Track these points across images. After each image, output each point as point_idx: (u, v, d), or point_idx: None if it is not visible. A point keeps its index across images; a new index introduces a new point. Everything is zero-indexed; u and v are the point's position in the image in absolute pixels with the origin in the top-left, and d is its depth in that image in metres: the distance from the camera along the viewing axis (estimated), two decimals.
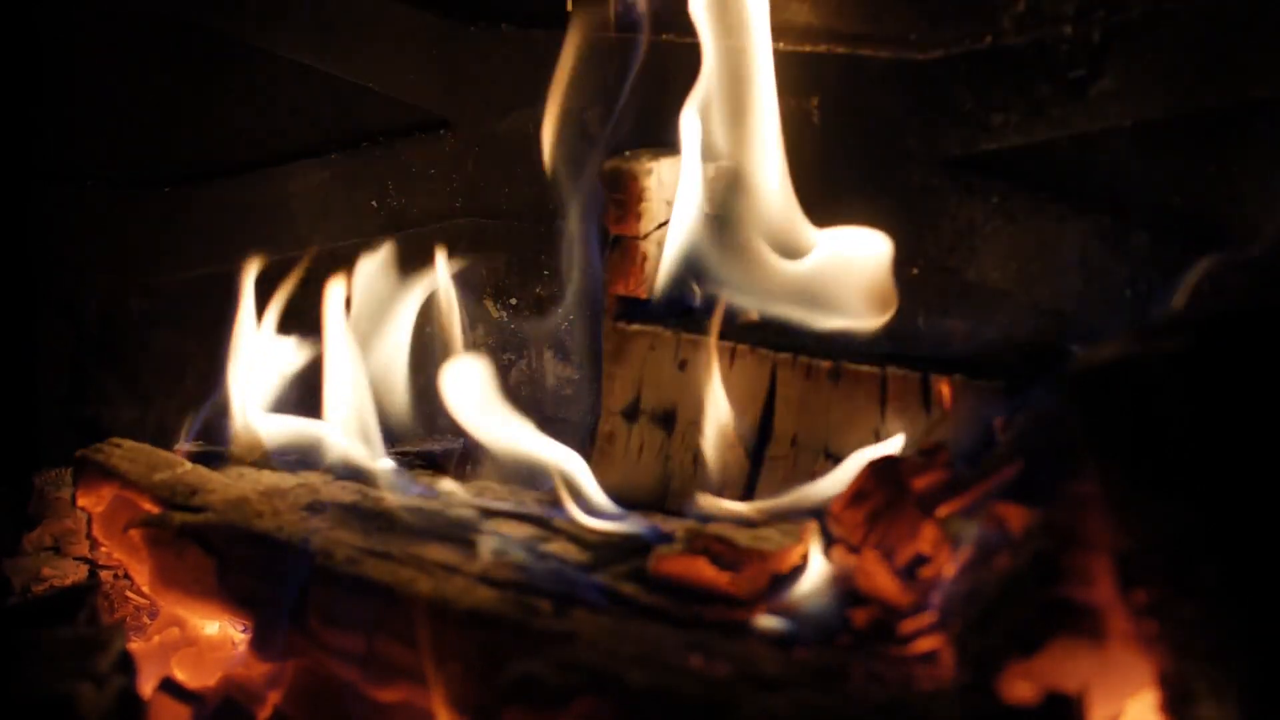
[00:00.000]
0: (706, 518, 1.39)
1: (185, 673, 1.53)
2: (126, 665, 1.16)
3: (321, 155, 2.01)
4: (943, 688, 1.06)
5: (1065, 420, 1.03)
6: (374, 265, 1.78)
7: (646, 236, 1.69)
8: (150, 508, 1.54)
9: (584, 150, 1.78)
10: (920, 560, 1.18)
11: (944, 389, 1.44)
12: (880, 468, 1.24)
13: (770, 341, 1.57)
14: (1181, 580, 0.92)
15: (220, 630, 1.63)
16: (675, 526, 1.40)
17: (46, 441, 2.04)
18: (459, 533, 1.40)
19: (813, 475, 1.48)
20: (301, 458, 1.67)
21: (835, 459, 1.51)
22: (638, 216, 1.68)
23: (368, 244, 1.80)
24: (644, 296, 1.70)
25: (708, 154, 1.66)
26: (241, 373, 1.72)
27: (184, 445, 1.72)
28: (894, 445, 1.43)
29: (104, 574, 1.84)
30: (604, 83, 1.78)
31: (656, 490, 1.61)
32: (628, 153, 1.72)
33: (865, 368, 1.51)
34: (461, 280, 1.82)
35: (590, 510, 1.46)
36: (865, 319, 1.60)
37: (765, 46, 1.64)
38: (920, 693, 1.06)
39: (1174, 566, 0.92)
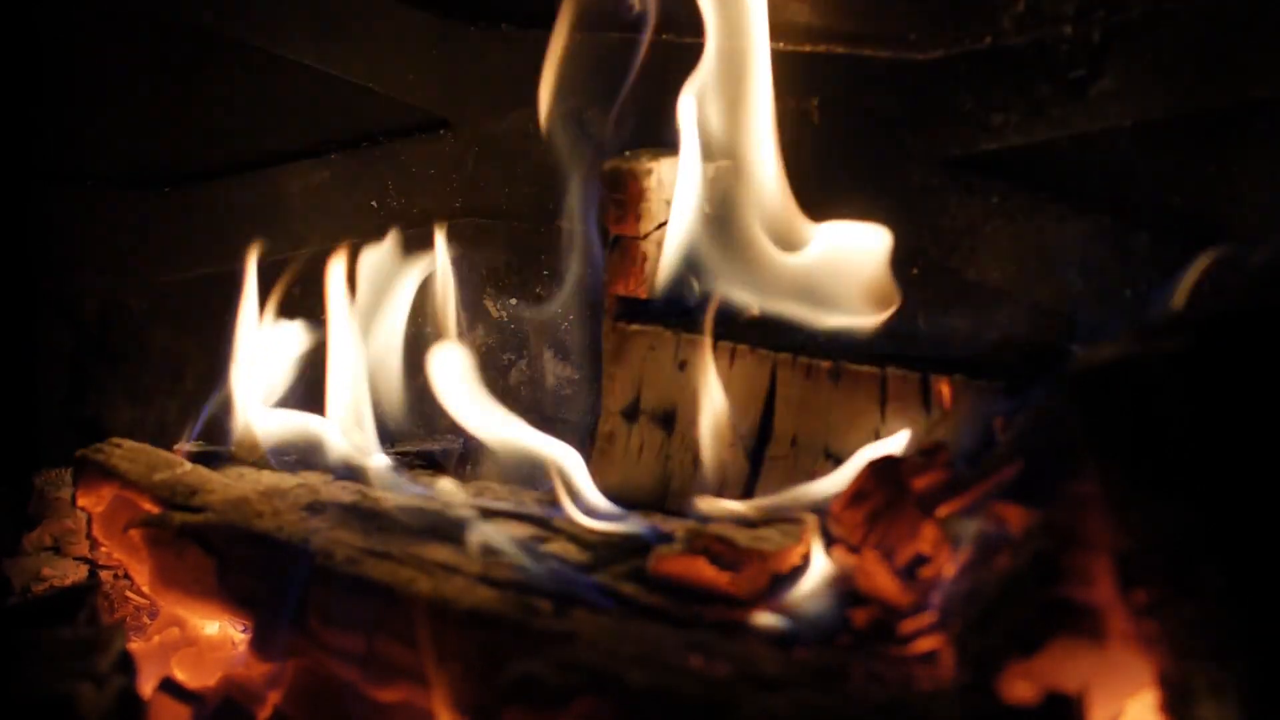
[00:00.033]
0: (706, 518, 1.39)
1: (185, 673, 1.53)
2: (126, 665, 1.16)
3: (321, 155, 2.01)
4: (943, 688, 1.06)
5: (1065, 420, 1.03)
6: (379, 254, 1.77)
7: (646, 236, 1.69)
8: (150, 508, 1.54)
9: (584, 150, 1.78)
10: (920, 560, 1.18)
11: (944, 389, 1.44)
12: (880, 468, 1.24)
13: (770, 341, 1.57)
14: (1181, 580, 0.92)
15: (220, 630, 1.63)
16: (675, 526, 1.40)
17: (46, 441, 2.04)
18: (452, 531, 1.40)
19: (812, 475, 1.48)
20: (301, 457, 1.67)
21: (835, 459, 1.51)
22: (638, 216, 1.68)
23: (367, 244, 1.80)
24: (644, 296, 1.70)
25: (707, 153, 1.66)
26: (243, 370, 1.72)
27: (184, 445, 1.72)
28: (899, 441, 1.43)
29: (104, 574, 1.84)
30: (604, 82, 1.78)
31: (656, 490, 1.61)
32: (628, 153, 1.72)
33: (865, 368, 1.51)
34: (459, 267, 1.81)
35: (587, 509, 1.47)
36: (866, 315, 1.60)
37: (763, 34, 1.64)
38: (920, 693, 1.06)
39: (1174, 566, 0.92)
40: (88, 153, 2.05)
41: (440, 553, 1.34)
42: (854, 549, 1.22)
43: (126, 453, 1.64)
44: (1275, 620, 0.88)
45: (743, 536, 1.28)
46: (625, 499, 1.51)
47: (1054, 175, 1.65)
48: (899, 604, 1.18)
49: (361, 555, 1.35)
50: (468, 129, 1.96)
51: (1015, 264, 1.68)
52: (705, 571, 1.25)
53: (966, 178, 1.69)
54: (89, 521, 1.74)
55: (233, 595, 1.44)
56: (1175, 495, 0.92)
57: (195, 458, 1.66)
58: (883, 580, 1.19)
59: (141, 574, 1.56)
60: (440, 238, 1.78)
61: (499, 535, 1.37)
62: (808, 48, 1.74)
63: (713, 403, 1.54)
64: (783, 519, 1.35)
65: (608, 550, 1.37)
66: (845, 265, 1.61)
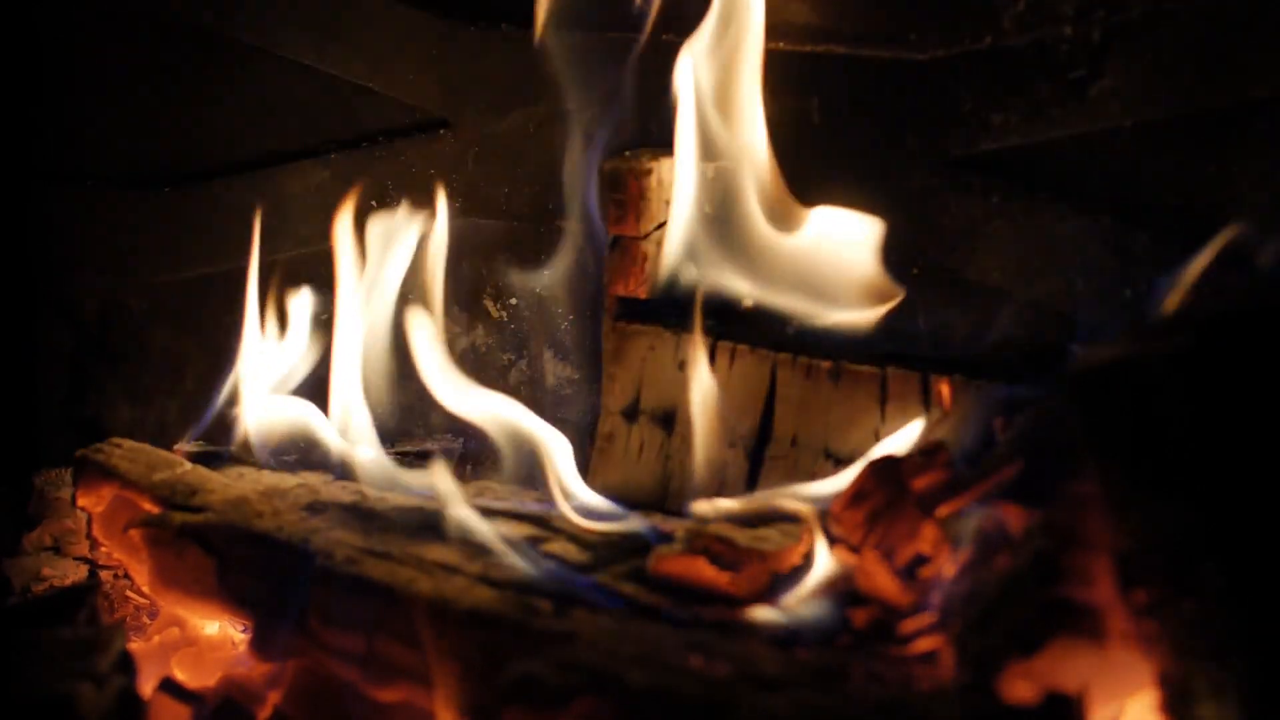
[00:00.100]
0: (703, 519, 1.39)
1: (185, 673, 1.53)
2: (126, 665, 1.16)
3: (321, 155, 2.01)
4: (943, 688, 1.06)
5: (1065, 420, 1.03)
6: (390, 222, 1.77)
7: (646, 236, 1.69)
8: (150, 508, 1.54)
9: (585, 150, 1.78)
10: (920, 560, 1.18)
11: (944, 389, 1.44)
12: (880, 468, 1.24)
13: (770, 341, 1.57)
14: (1181, 580, 0.92)
15: (220, 630, 1.63)
16: (675, 526, 1.40)
17: (46, 441, 2.04)
18: (435, 523, 1.40)
19: (812, 475, 1.48)
20: (301, 457, 1.67)
21: (835, 459, 1.51)
22: (638, 216, 1.68)
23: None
24: (644, 296, 1.70)
25: (707, 153, 1.66)
26: (247, 368, 1.72)
27: (184, 445, 1.72)
28: (912, 432, 1.43)
29: (104, 574, 1.84)
30: (604, 82, 1.78)
31: (656, 490, 1.62)
32: (628, 153, 1.73)
33: (865, 368, 1.51)
34: (456, 234, 1.80)
35: (582, 506, 1.47)
36: (862, 306, 1.59)
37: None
38: (920, 693, 1.06)
39: (1174, 566, 0.92)
40: (88, 153, 2.05)
41: (440, 553, 1.34)
42: (854, 549, 1.22)
43: (126, 453, 1.64)
44: (1275, 620, 0.88)
45: (743, 536, 1.28)
46: (625, 499, 1.51)
47: (1054, 175, 1.65)
48: (899, 604, 1.18)
49: (361, 555, 1.35)
50: (468, 129, 1.96)
51: (1015, 264, 1.68)
52: (705, 571, 1.25)
53: (966, 178, 1.69)
54: (89, 521, 1.74)
55: (233, 595, 1.44)
56: (1175, 495, 0.92)
57: (195, 458, 1.66)
58: (883, 580, 1.19)
59: (141, 574, 1.56)
60: (441, 196, 1.77)
61: (473, 518, 1.37)
62: (808, 48, 1.74)
63: (704, 396, 1.54)
64: (782, 519, 1.35)
65: (608, 550, 1.37)
66: (839, 250, 1.61)
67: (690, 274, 1.64)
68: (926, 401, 1.47)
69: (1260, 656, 0.88)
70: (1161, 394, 0.92)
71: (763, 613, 1.22)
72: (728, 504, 1.41)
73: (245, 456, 1.68)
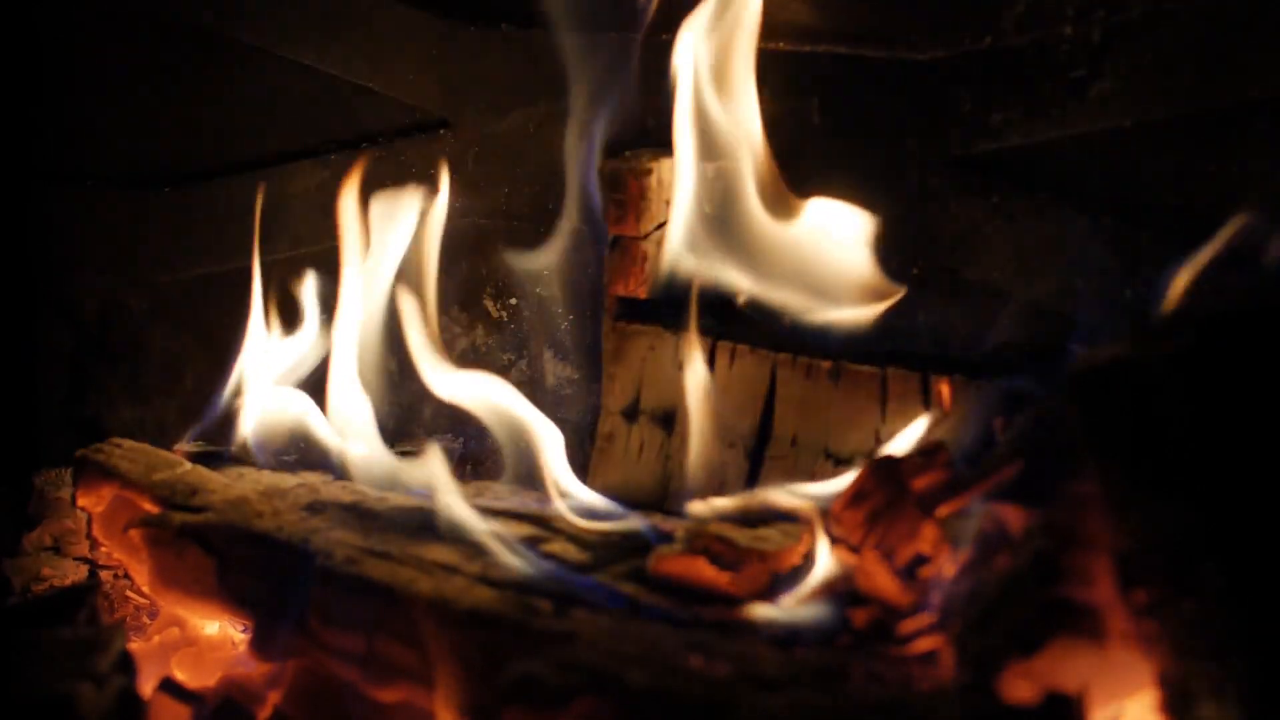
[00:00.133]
0: (697, 519, 1.39)
1: (185, 673, 1.53)
2: (126, 665, 1.16)
3: (321, 155, 2.01)
4: (943, 688, 1.06)
5: (1065, 420, 1.03)
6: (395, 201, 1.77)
7: (647, 236, 1.69)
8: (150, 508, 1.54)
9: (585, 149, 1.78)
10: (920, 560, 1.18)
11: (944, 389, 1.44)
12: (880, 468, 1.24)
13: (770, 341, 1.57)
14: (1181, 580, 0.92)
15: (220, 630, 1.63)
16: (675, 526, 1.40)
17: (46, 441, 2.04)
18: (435, 523, 1.41)
19: (812, 475, 1.48)
20: (301, 457, 1.67)
21: (835, 459, 1.51)
22: (638, 216, 1.68)
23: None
24: (644, 296, 1.70)
25: (707, 153, 1.66)
26: (250, 365, 1.72)
27: (184, 445, 1.72)
28: (915, 432, 1.43)
29: (104, 574, 1.84)
30: (604, 82, 1.78)
31: (656, 490, 1.62)
32: (628, 153, 1.73)
33: (865, 368, 1.51)
34: (456, 222, 1.80)
35: (575, 499, 1.47)
36: (861, 303, 1.59)
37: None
38: (920, 693, 1.06)
39: (1174, 566, 0.92)
40: (88, 153, 2.05)
41: (440, 553, 1.34)
42: (854, 549, 1.22)
43: (126, 453, 1.64)
44: (1275, 620, 0.88)
45: (743, 536, 1.28)
46: (625, 499, 1.51)
47: (1054, 175, 1.65)
48: (899, 604, 1.18)
49: (361, 555, 1.35)
50: (468, 129, 1.97)
51: (1015, 264, 1.68)
52: (705, 571, 1.25)
53: (966, 178, 1.69)
54: (89, 521, 1.74)
55: (233, 595, 1.44)
56: (1175, 495, 0.92)
57: (195, 458, 1.66)
58: (883, 580, 1.19)
59: (141, 574, 1.56)
60: (445, 173, 1.77)
61: (462, 507, 1.37)
62: (808, 48, 1.74)
63: (699, 394, 1.54)
64: (782, 518, 1.35)
65: (607, 550, 1.37)
66: (836, 243, 1.60)
67: (688, 264, 1.63)
68: (926, 401, 1.47)
69: (1260, 656, 0.88)
70: (1161, 394, 0.92)
71: (763, 612, 1.22)
72: (723, 503, 1.41)
73: (245, 456, 1.68)
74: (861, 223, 1.61)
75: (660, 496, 1.61)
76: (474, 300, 2.00)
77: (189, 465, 1.62)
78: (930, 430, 1.42)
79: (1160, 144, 1.59)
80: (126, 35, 2.02)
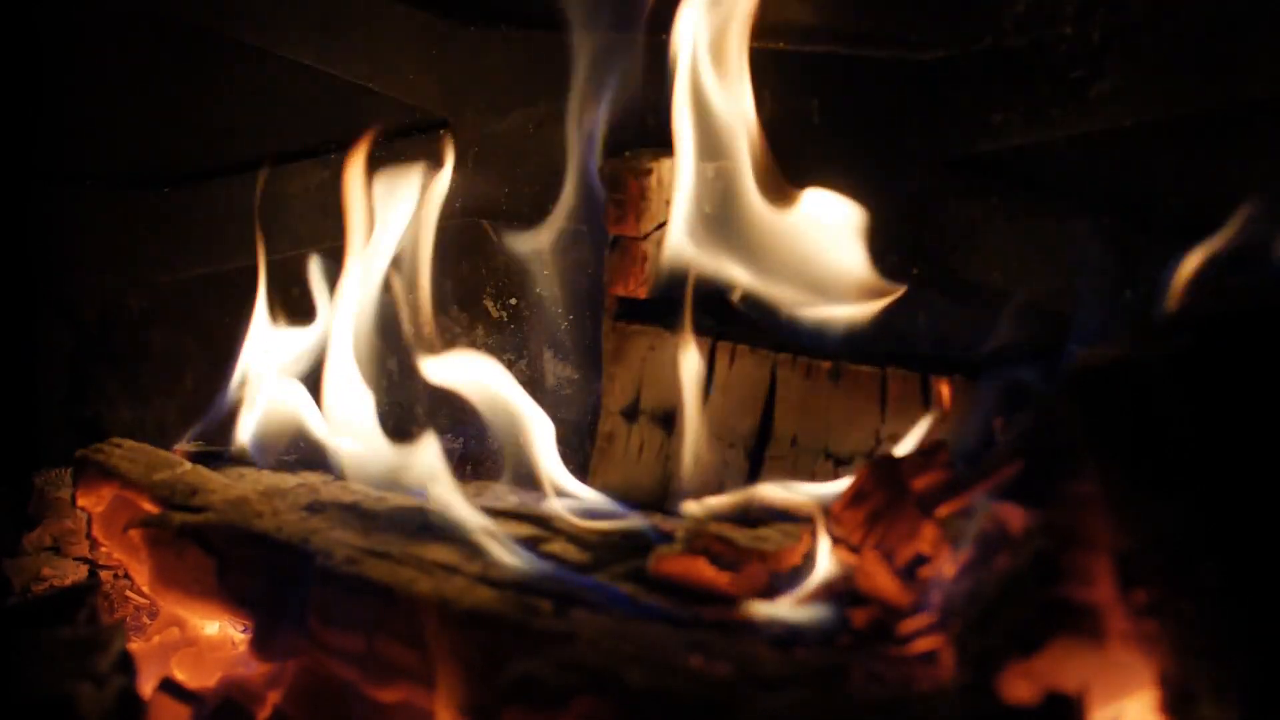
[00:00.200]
0: (691, 519, 1.40)
1: (185, 673, 1.53)
2: (126, 665, 1.16)
3: (321, 155, 2.01)
4: (943, 688, 1.06)
5: (1065, 420, 1.03)
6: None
7: (647, 237, 1.69)
8: (150, 508, 1.54)
9: (585, 150, 1.78)
10: (920, 560, 1.18)
11: (944, 389, 1.44)
12: (880, 468, 1.24)
13: (770, 341, 1.57)
14: (1181, 580, 0.92)
15: (220, 630, 1.63)
16: (675, 526, 1.40)
17: (46, 441, 2.04)
18: (435, 523, 1.41)
19: (812, 475, 1.48)
20: (301, 457, 1.67)
21: (835, 459, 1.51)
22: (638, 216, 1.68)
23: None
24: (644, 296, 1.70)
25: (707, 153, 1.66)
26: (253, 361, 1.72)
27: (184, 445, 1.72)
28: (920, 433, 1.43)
29: (104, 574, 1.84)
30: (604, 82, 1.78)
31: (656, 490, 1.62)
32: (628, 153, 1.72)
33: (865, 368, 1.51)
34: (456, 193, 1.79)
35: (569, 494, 1.48)
36: (859, 299, 1.59)
37: None
38: (920, 693, 1.06)
39: (1174, 566, 0.92)
40: (88, 153, 2.05)
41: (440, 553, 1.34)
42: (854, 549, 1.22)
43: (126, 453, 1.64)
44: (1275, 620, 0.88)
45: (743, 536, 1.28)
46: (625, 499, 1.51)
47: (1054, 175, 1.65)
48: (899, 604, 1.18)
49: (361, 555, 1.35)
50: (468, 129, 1.96)
51: (1015, 264, 1.68)
52: (705, 571, 1.25)
53: (966, 178, 1.69)
54: (89, 521, 1.74)
55: (233, 595, 1.44)
56: (1175, 495, 0.92)
57: (195, 458, 1.66)
58: (883, 580, 1.19)
59: (141, 574, 1.56)
60: (449, 148, 1.77)
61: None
62: (808, 48, 1.74)
63: (693, 391, 1.54)
64: (782, 518, 1.35)
65: (607, 550, 1.37)
66: (833, 236, 1.60)
67: (688, 252, 1.63)
68: (926, 401, 1.47)
69: (1260, 656, 0.88)
70: (1161, 394, 0.92)
71: (763, 612, 1.22)
72: (718, 502, 1.41)
73: (245, 457, 1.68)
74: (858, 215, 1.61)
75: (660, 496, 1.61)
76: (474, 300, 2.00)
77: (189, 465, 1.62)
78: (930, 430, 1.42)
79: (1160, 144, 1.59)
80: (126, 35, 2.02)
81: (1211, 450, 0.91)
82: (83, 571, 1.85)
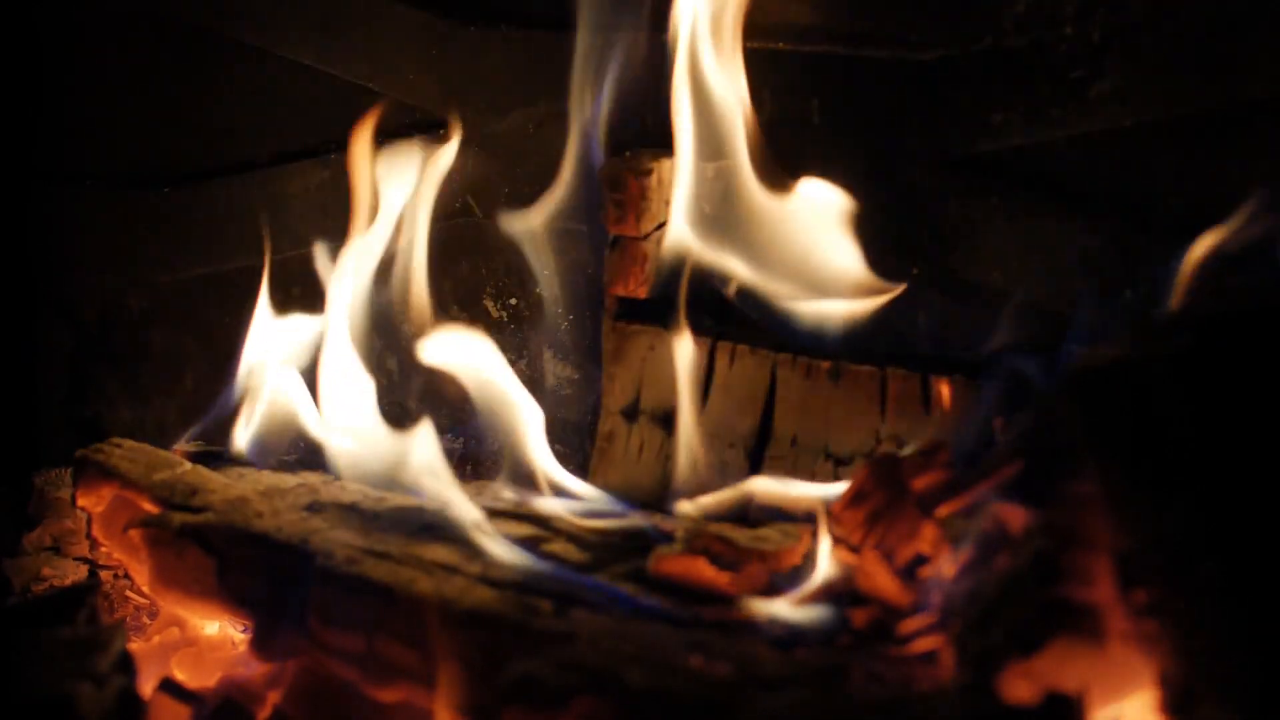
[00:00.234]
0: (685, 518, 1.40)
1: (185, 673, 1.53)
2: (126, 665, 1.16)
3: (321, 155, 2.01)
4: (943, 688, 1.06)
5: (1065, 420, 1.03)
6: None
7: (647, 237, 1.69)
8: (150, 508, 1.54)
9: (585, 149, 1.78)
10: (920, 560, 1.18)
11: (944, 389, 1.44)
12: (880, 468, 1.24)
13: (770, 341, 1.57)
14: (1181, 580, 0.92)
15: (220, 630, 1.63)
16: (675, 526, 1.40)
17: (46, 441, 2.04)
18: (435, 523, 1.41)
19: (812, 475, 1.48)
20: (301, 457, 1.67)
21: (835, 459, 1.51)
22: (638, 216, 1.68)
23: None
24: (644, 296, 1.70)
25: (707, 153, 1.66)
26: (258, 357, 1.71)
27: (183, 445, 1.72)
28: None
29: (104, 574, 1.84)
30: (604, 82, 1.78)
31: (656, 490, 1.61)
32: (628, 153, 1.73)
33: (865, 368, 1.51)
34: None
35: (559, 488, 1.48)
36: (854, 293, 1.59)
37: None
38: (920, 693, 1.06)
39: (1174, 566, 0.92)
40: (88, 153, 2.06)
41: (440, 553, 1.34)
42: (854, 549, 1.22)
43: (126, 453, 1.64)
44: (1275, 620, 0.88)
45: (743, 536, 1.28)
46: (626, 499, 1.51)
47: (1054, 175, 1.65)
48: (899, 604, 1.18)
49: (361, 555, 1.35)
50: (468, 129, 1.96)
51: (1015, 264, 1.68)
52: (705, 571, 1.25)
53: (966, 178, 1.69)
54: (89, 521, 1.74)
55: (233, 595, 1.44)
56: (1175, 495, 0.92)
57: (195, 458, 1.66)
58: (883, 580, 1.19)
59: (141, 574, 1.56)
60: (455, 124, 1.77)
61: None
62: (808, 48, 1.74)
63: (686, 386, 1.54)
64: (782, 518, 1.35)
65: (607, 550, 1.37)
66: (830, 227, 1.60)
67: (687, 238, 1.62)
68: (926, 401, 1.47)
69: (1260, 656, 0.88)
70: (1161, 394, 0.92)
71: (763, 612, 1.22)
72: (710, 500, 1.41)
73: (243, 458, 1.68)
74: (856, 207, 1.60)
75: (660, 496, 1.60)
76: (474, 300, 2.00)
77: (189, 465, 1.62)
78: (930, 430, 1.42)
79: (1160, 144, 1.59)
80: (126, 35, 2.02)
81: (1211, 450, 0.91)
82: (83, 571, 1.85)
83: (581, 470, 1.64)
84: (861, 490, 1.22)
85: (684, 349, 1.56)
